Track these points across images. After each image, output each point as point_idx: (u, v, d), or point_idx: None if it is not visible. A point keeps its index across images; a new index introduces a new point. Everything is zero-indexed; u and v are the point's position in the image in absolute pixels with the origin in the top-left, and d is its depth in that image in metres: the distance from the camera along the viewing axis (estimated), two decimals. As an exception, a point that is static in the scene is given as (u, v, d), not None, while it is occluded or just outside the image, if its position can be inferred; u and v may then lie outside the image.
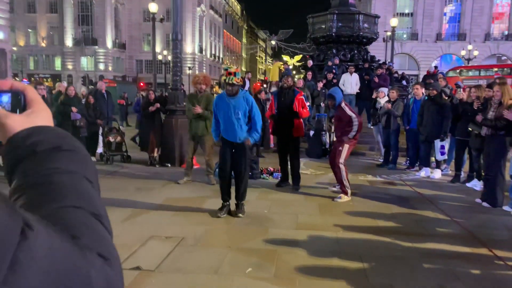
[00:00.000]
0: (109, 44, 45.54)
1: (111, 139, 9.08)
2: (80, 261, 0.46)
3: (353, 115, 6.26)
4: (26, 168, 0.57)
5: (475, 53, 37.63)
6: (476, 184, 7.16)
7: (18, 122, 0.63)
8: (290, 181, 7.12)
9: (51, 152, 0.59)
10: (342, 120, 6.34)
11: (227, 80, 5.10)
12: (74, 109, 8.11)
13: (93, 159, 9.35)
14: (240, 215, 5.29)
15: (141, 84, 36.99)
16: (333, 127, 7.71)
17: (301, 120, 6.91)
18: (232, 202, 5.47)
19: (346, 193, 6.26)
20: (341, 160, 6.27)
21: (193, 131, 7.12)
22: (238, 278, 3.54)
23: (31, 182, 0.55)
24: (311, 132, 10.58)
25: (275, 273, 3.66)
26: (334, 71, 12.97)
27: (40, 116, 0.66)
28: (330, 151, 7.33)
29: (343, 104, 6.35)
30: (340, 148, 6.32)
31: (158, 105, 8.69)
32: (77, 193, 0.55)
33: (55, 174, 0.56)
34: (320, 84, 12.30)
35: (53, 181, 0.55)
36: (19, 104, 0.68)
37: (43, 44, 45.09)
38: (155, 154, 8.88)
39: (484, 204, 6.08)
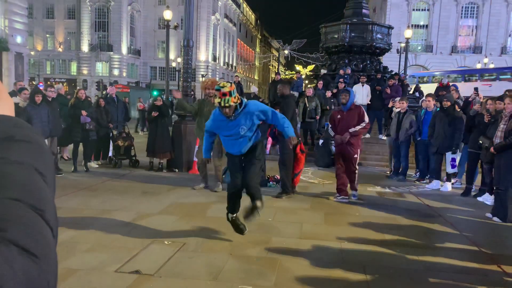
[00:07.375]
0: (124, 50, 46.17)
1: (120, 143, 9.14)
2: None
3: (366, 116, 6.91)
4: None
5: (491, 66, 37.18)
6: (487, 198, 6.99)
7: None
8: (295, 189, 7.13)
9: (2, 141, 0.56)
10: (353, 118, 6.72)
11: (222, 104, 4.15)
12: (84, 112, 8.18)
13: (99, 162, 9.42)
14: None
15: (154, 90, 37.28)
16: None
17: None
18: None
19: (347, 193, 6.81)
20: (356, 165, 6.74)
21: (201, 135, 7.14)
22: (237, 285, 3.49)
23: None
24: (320, 141, 10.51)
25: (276, 281, 3.60)
26: (344, 80, 12.85)
27: (1, 105, 0.65)
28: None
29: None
30: (356, 156, 6.70)
31: (156, 113, 8.65)
32: (20, 185, 0.52)
33: (1, 165, 0.54)
34: (329, 93, 12.23)
35: None
36: None
37: (60, 49, 45.89)
38: (161, 160, 8.87)
39: (495, 218, 5.93)
